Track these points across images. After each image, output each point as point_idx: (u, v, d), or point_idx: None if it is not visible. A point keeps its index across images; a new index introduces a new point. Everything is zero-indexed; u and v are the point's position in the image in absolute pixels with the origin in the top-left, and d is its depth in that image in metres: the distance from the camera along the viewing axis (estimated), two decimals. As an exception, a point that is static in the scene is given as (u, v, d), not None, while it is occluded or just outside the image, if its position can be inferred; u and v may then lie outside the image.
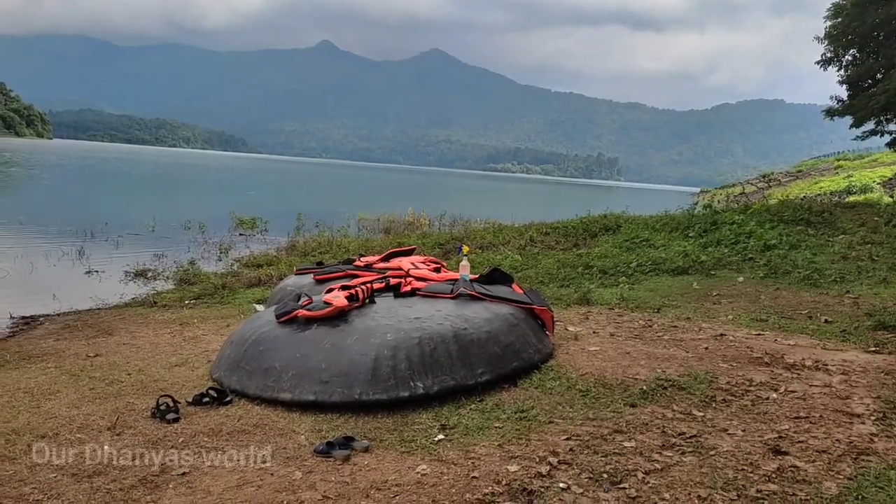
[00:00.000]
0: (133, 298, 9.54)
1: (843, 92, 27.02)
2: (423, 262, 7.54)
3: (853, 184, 37.99)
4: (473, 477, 3.63)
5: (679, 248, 11.02)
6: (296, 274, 8.53)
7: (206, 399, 4.67)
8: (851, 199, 26.92)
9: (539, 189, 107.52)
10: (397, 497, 3.47)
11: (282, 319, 5.05)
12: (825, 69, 27.41)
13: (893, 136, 26.37)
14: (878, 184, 37.58)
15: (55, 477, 3.68)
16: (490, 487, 3.52)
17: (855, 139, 28.34)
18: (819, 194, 31.09)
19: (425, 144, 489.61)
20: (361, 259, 8.18)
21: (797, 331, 6.35)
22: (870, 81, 26.18)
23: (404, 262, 6.90)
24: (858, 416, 4.21)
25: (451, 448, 4.00)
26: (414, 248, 8.99)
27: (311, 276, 7.95)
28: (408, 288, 5.64)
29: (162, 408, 4.46)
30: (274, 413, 4.53)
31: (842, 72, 26.91)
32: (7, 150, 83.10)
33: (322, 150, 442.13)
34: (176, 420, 4.38)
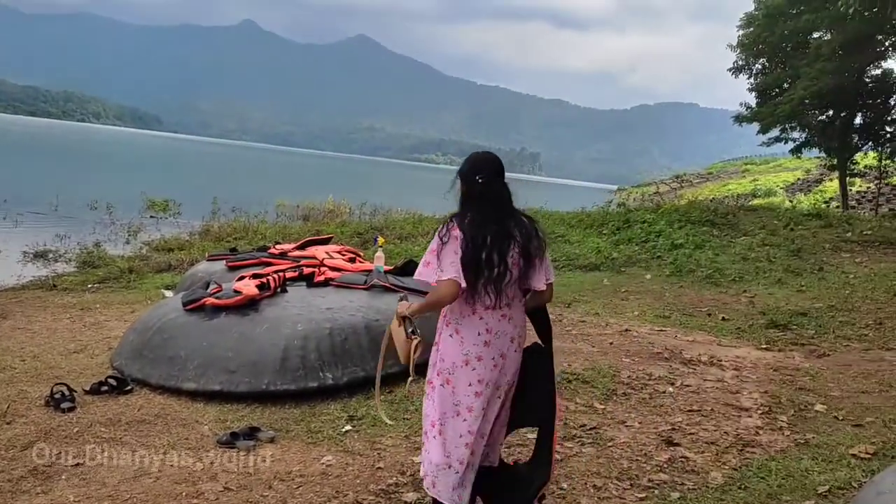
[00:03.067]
0: (31, 281, 9.11)
1: (752, 99, 28.32)
2: (339, 252, 7.47)
3: (758, 187, 39.86)
4: (378, 468, 3.66)
5: (593, 245, 11.32)
6: (208, 260, 8.31)
7: (105, 388, 4.51)
8: (755, 202, 28.23)
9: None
10: (301, 488, 3.46)
11: (189, 307, 4.92)
12: (736, 76, 28.58)
13: (797, 143, 27.77)
14: (781, 188, 39.60)
15: (-65, 468, 3.49)
16: (394, 478, 3.55)
17: (761, 145, 29.64)
18: (726, 196, 32.36)
19: (349, 132, 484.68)
20: (276, 247, 8.04)
21: (696, 327, 6.66)
22: (777, 90, 27.52)
23: (319, 252, 6.81)
24: (746, 409, 4.46)
25: (358, 439, 4.01)
26: (331, 237, 8.91)
27: (224, 262, 7.78)
28: (321, 278, 5.58)
29: (56, 396, 4.29)
30: (177, 403, 4.42)
31: (752, 80, 28.19)
32: None
33: (242, 133, 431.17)
34: (71, 409, 4.22)
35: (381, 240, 5.98)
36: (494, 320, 2.88)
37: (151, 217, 17.36)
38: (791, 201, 27.21)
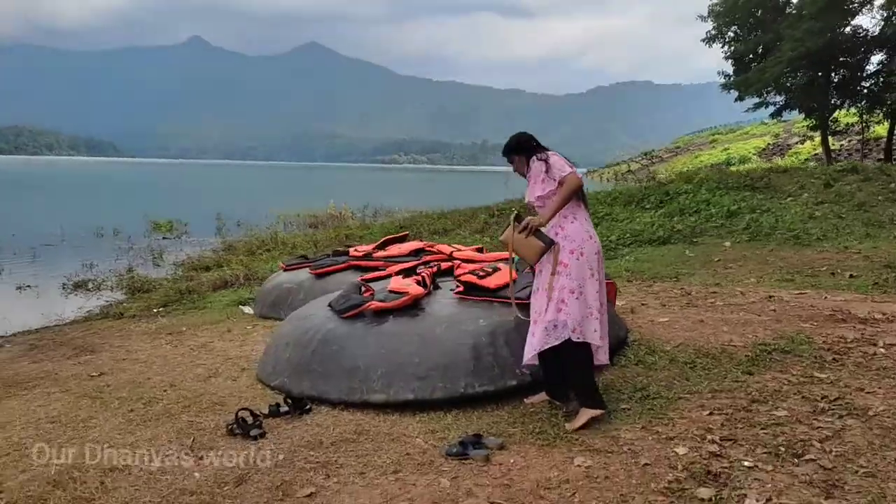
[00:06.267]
0: (89, 312, 8.58)
1: (728, 67, 28.59)
2: (426, 247, 7.14)
3: (731, 155, 40.15)
4: (645, 465, 3.31)
5: (647, 220, 11.07)
6: (284, 270, 7.92)
7: (286, 409, 4.10)
8: (781, 163, 28.54)
9: (433, 177, 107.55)
10: (576, 495, 3.10)
11: (348, 314, 4.52)
12: (710, 46, 28.74)
13: (777, 106, 28.07)
14: (753, 154, 39.91)
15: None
16: (670, 474, 3.21)
17: (746, 111, 29.87)
18: (701, 167, 32.37)
19: (309, 140, 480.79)
20: (358, 249, 7.67)
21: (833, 287, 6.41)
22: (750, 56, 27.75)
23: (442, 247, 6.45)
24: (975, 362, 4.20)
25: (592, 435, 3.66)
26: (407, 234, 8.56)
27: (308, 270, 7.39)
28: (462, 271, 5.21)
29: (243, 423, 3.87)
30: (369, 417, 4.03)
31: (725, 48, 28.39)
32: None
33: (201, 152, 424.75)
34: (262, 435, 3.81)
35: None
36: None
37: (164, 238, 16.85)
38: (823, 163, 27.13)
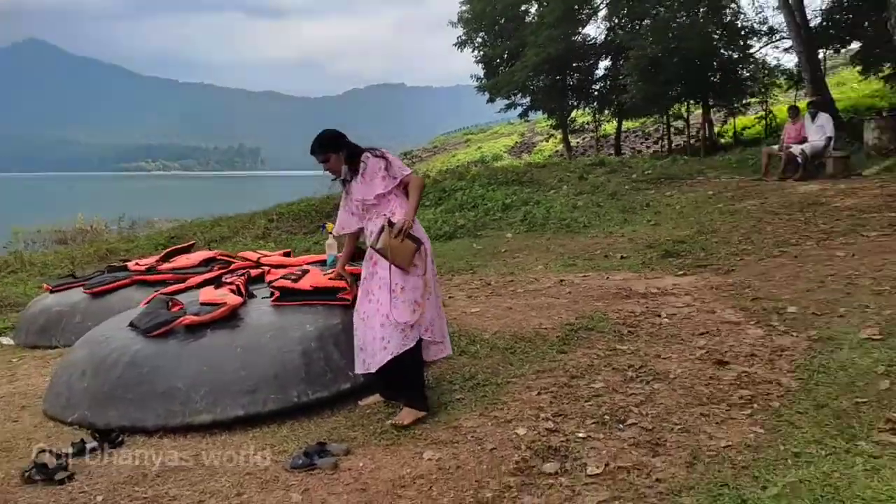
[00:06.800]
0: None
1: (480, 71, 30.71)
2: (218, 255, 6.75)
3: (485, 154, 43.04)
4: (492, 449, 3.41)
5: (430, 217, 11.37)
6: (51, 291, 6.99)
7: (92, 445, 3.62)
8: (529, 159, 30.75)
9: (188, 185, 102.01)
10: (433, 487, 3.12)
11: (156, 333, 4.10)
12: (461, 50, 30.62)
13: (524, 108, 30.64)
14: (504, 152, 43.18)
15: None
16: (517, 454, 3.33)
17: (499, 111, 32.08)
18: (459, 165, 34.41)
19: (36, 148, 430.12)
20: (139, 262, 7.00)
21: (610, 268, 7.05)
22: (498, 61, 30.03)
23: (248, 254, 6.08)
24: (737, 323, 4.88)
25: (435, 429, 3.69)
26: (193, 244, 7.99)
27: (81, 290, 6.61)
28: (275, 276, 4.97)
29: (43, 467, 3.35)
30: (195, 441, 3.70)
31: (475, 53, 30.45)
32: None
33: None
34: (70, 477, 3.33)
35: (329, 226, 5.48)
36: None
37: None
38: (573, 159, 29.55)
